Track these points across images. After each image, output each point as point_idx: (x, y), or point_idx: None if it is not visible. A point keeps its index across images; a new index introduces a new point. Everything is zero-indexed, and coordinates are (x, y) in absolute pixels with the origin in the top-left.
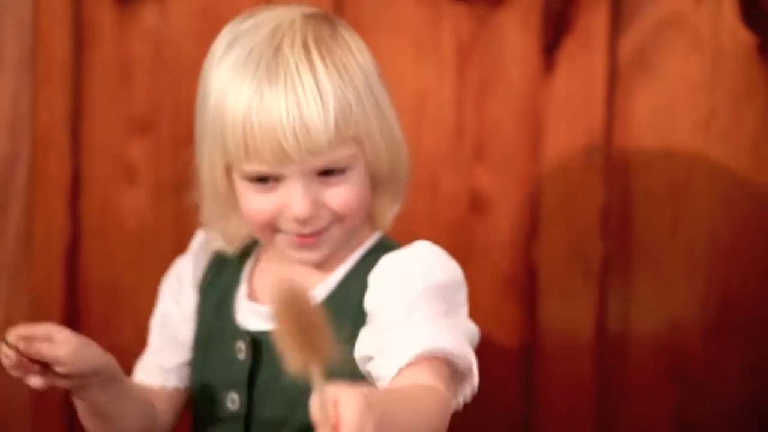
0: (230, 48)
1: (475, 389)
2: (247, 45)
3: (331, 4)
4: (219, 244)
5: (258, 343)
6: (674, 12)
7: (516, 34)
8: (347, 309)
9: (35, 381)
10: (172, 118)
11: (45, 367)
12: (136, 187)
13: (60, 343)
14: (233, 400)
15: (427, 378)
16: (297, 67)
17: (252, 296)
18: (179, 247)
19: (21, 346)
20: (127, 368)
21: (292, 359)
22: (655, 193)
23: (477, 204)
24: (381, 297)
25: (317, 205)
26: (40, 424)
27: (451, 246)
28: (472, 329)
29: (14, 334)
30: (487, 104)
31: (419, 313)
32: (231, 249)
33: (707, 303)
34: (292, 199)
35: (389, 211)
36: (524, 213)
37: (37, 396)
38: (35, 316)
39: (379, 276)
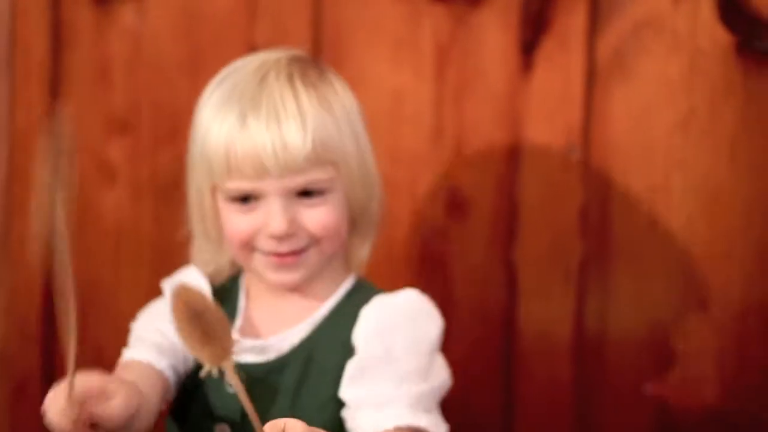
0: (218, 86)
1: None
2: (233, 80)
3: (310, 4)
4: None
5: (250, 377)
6: (652, 12)
7: (494, 33)
8: (335, 342)
9: None
10: (151, 118)
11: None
12: (114, 186)
13: (115, 401)
14: None
15: None
16: (281, 94)
17: (244, 331)
18: (157, 245)
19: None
20: (104, 365)
21: (203, 358)
22: (633, 192)
23: (456, 204)
24: (371, 338)
25: (295, 224)
26: (18, 421)
27: (430, 245)
28: (446, 382)
29: (77, 391)
30: (465, 104)
31: (404, 367)
32: (218, 279)
33: (685, 302)
34: (271, 216)
35: (362, 251)
36: (503, 213)
37: (16, 392)
38: (12, 316)
39: (370, 316)
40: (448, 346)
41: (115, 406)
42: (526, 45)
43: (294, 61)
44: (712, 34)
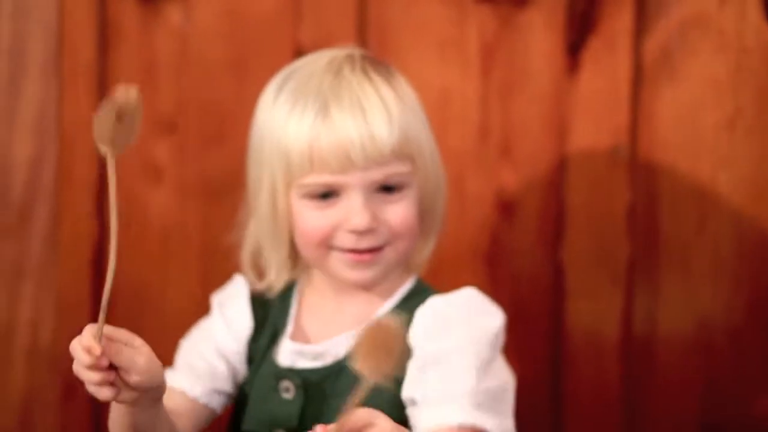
0: (285, 83)
1: None
2: (303, 75)
3: (355, 4)
4: (258, 285)
5: (306, 382)
6: (698, 12)
7: (540, 34)
8: None
9: (106, 392)
10: (197, 118)
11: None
12: (161, 186)
13: (139, 350)
14: None
15: None
16: (360, 86)
17: (296, 336)
18: (204, 246)
19: (104, 344)
20: None
21: (358, 365)
22: (680, 193)
23: (503, 204)
24: (428, 336)
25: (376, 219)
26: (68, 420)
27: (477, 246)
28: (509, 382)
29: (99, 331)
30: (512, 104)
31: (465, 362)
32: (276, 285)
33: (734, 303)
34: (352, 211)
35: (424, 251)
36: (550, 213)
37: (66, 391)
38: (62, 317)
39: (426, 315)
40: None
41: (140, 356)
42: (573, 45)
43: (364, 56)
44: (759, 34)
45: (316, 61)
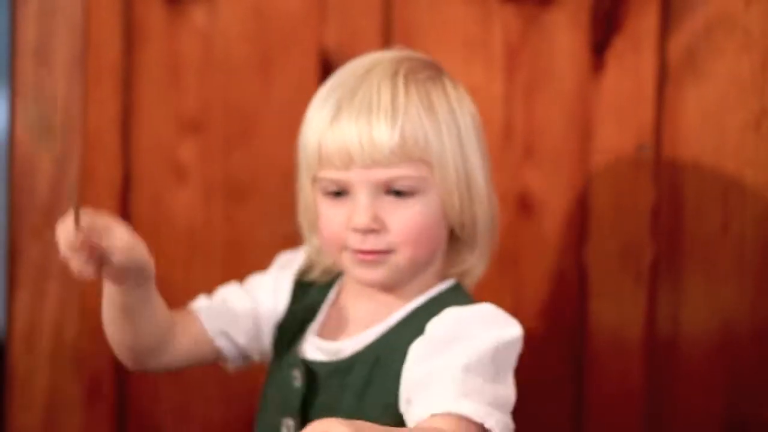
0: (329, 80)
1: None
2: (344, 72)
3: (381, 5)
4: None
5: (313, 372)
6: (724, 11)
7: (565, 33)
8: (402, 347)
9: (87, 268)
10: (222, 118)
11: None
12: (186, 186)
13: (119, 234)
14: (288, 426)
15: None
16: (378, 88)
17: (320, 332)
18: (229, 246)
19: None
20: None
21: None
22: (705, 193)
23: (526, 204)
24: (433, 346)
25: (378, 221)
26: (92, 418)
27: (500, 247)
28: (511, 399)
29: (84, 220)
30: (536, 104)
31: (469, 373)
32: (322, 277)
33: (758, 303)
34: (355, 209)
35: (470, 264)
36: (574, 213)
37: (90, 390)
38: (86, 317)
39: (437, 325)
40: None
41: (119, 237)
42: (597, 45)
43: (408, 59)
44: None
45: (362, 60)
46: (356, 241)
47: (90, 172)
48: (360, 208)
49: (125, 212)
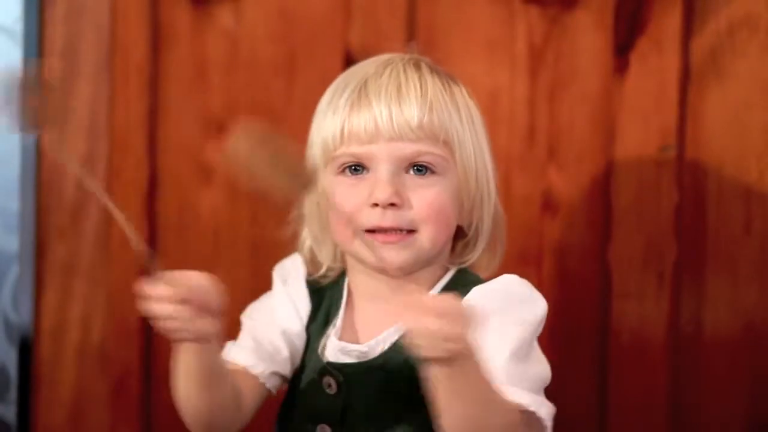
0: (338, 78)
1: None
2: (356, 68)
3: (405, 5)
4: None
5: (348, 378)
6: (747, 12)
7: (589, 34)
8: None
9: (204, 324)
10: (248, 118)
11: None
12: (212, 186)
13: (208, 284)
14: None
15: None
16: (405, 73)
17: (342, 335)
18: (254, 245)
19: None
20: None
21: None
22: (728, 193)
23: (550, 204)
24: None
25: (400, 196)
26: (118, 415)
27: (524, 246)
28: (545, 372)
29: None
30: (559, 105)
31: (514, 361)
32: (329, 274)
33: None
34: (377, 184)
35: (473, 257)
36: (597, 214)
37: (116, 388)
38: (112, 315)
39: (476, 302)
40: (541, 346)
41: (211, 288)
42: (621, 46)
43: (426, 61)
44: None
45: (378, 57)
46: (375, 218)
47: (117, 173)
48: (382, 182)
49: (151, 212)
